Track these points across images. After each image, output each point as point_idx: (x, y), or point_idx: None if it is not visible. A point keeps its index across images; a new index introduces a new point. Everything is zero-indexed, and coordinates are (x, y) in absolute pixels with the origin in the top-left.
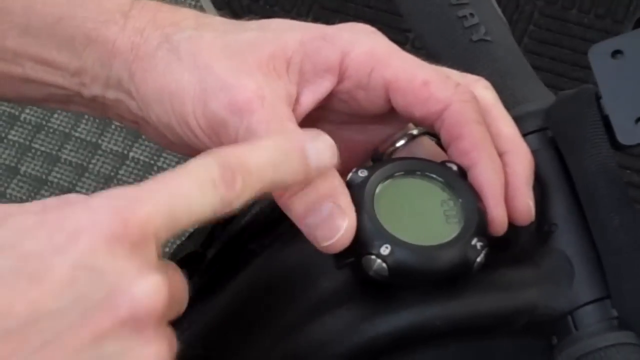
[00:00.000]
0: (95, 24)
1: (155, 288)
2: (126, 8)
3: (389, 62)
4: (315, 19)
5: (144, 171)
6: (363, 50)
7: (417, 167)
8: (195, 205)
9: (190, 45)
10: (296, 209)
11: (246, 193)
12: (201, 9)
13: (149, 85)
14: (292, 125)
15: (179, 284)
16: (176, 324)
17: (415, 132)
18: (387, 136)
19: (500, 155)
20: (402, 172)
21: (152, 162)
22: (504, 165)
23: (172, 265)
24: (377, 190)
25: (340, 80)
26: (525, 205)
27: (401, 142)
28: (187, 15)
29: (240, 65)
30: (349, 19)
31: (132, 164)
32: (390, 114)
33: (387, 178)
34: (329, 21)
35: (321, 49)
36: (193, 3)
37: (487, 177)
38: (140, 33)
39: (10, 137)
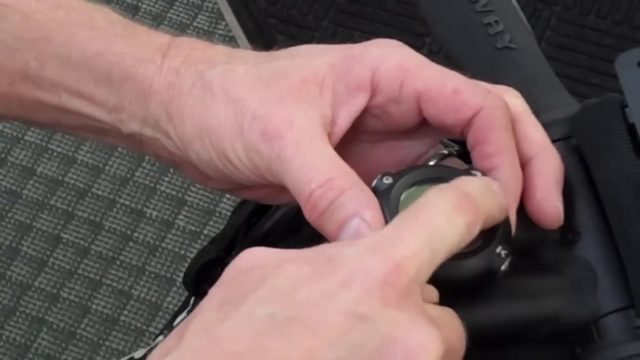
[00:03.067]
0: (134, 61)
1: (430, 337)
2: (165, 47)
3: (419, 74)
4: (332, 22)
5: (160, 172)
6: (392, 64)
7: (442, 175)
8: (448, 235)
9: (223, 80)
10: (328, 228)
11: (481, 218)
12: (219, 11)
13: (186, 125)
14: (323, 145)
15: (455, 331)
16: None
17: (445, 152)
18: (418, 156)
19: (530, 159)
20: (427, 180)
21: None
22: (534, 168)
23: (449, 312)
24: (402, 197)
25: (373, 95)
26: (555, 209)
27: (432, 162)
28: (220, 51)
29: (272, 94)
30: (365, 23)
31: (149, 166)
32: (421, 130)
33: (411, 185)
34: (345, 24)
35: (351, 68)
36: (211, 5)
37: (504, 182)
38: (176, 72)
39: (27, 138)
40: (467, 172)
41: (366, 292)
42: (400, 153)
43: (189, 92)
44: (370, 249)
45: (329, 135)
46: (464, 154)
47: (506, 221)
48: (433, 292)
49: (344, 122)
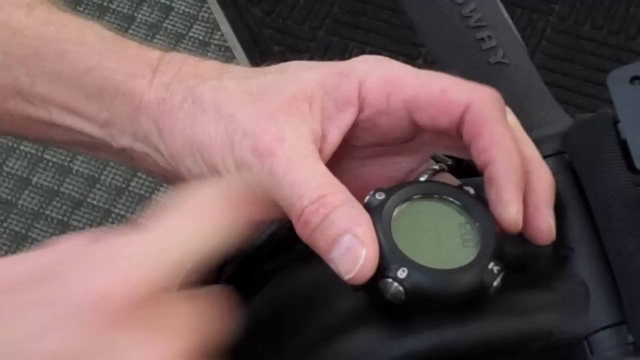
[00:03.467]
0: (125, 76)
1: (155, 353)
2: (155, 63)
3: (404, 82)
4: (328, 32)
5: (155, 183)
6: (377, 76)
7: (435, 191)
8: (174, 244)
9: (214, 95)
10: (319, 245)
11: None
12: (214, 22)
13: (177, 140)
14: (314, 161)
15: (202, 325)
16: None
17: (437, 167)
18: (409, 172)
19: None
20: (420, 195)
21: None
22: (525, 184)
23: (188, 309)
24: (395, 213)
25: (361, 109)
26: (547, 224)
27: (424, 178)
28: (210, 66)
29: (262, 110)
30: (361, 33)
31: (144, 177)
32: (412, 145)
33: (404, 201)
34: (341, 34)
35: (339, 84)
36: (206, 15)
37: (502, 171)
38: (167, 87)
39: (22, 147)
40: (459, 188)
41: (74, 324)
42: (392, 169)
43: (179, 108)
44: (78, 276)
45: (320, 152)
46: (457, 169)
47: (499, 237)
48: (174, 298)
49: (334, 137)
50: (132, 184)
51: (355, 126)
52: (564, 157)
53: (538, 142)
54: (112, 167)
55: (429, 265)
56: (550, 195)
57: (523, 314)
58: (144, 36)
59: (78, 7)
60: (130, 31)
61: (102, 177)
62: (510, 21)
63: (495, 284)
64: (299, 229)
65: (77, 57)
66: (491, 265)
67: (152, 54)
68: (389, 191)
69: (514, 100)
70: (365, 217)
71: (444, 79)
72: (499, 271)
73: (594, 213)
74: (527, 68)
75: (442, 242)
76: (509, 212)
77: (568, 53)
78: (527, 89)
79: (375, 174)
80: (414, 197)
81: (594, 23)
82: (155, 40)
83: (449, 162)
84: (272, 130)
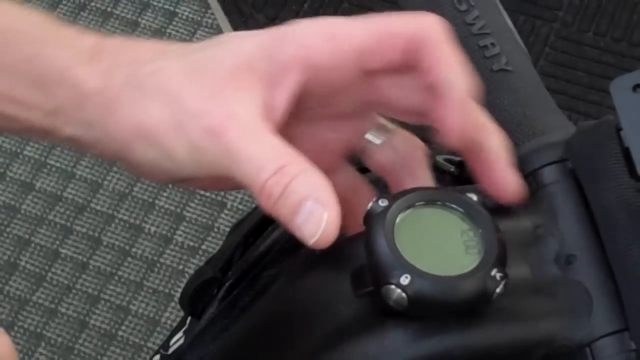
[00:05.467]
0: (66, 63)
1: None
2: (93, 50)
3: (346, 33)
4: None
5: (158, 188)
6: (317, 33)
7: (438, 197)
8: None
9: (155, 78)
10: (283, 214)
11: None
12: (218, 27)
13: (124, 126)
14: (268, 133)
15: None
16: (195, 350)
17: (387, 124)
18: (364, 133)
19: (478, 140)
20: (423, 202)
21: None
22: (485, 152)
23: None
24: (398, 219)
25: (305, 70)
26: (516, 180)
27: (372, 137)
28: (149, 47)
29: (206, 87)
30: None
31: (147, 182)
32: (366, 102)
33: (407, 208)
34: None
35: (279, 48)
36: (210, 21)
37: (448, 78)
38: (108, 74)
39: (25, 152)
40: (464, 195)
41: None
42: (347, 130)
43: (121, 94)
44: None
45: (270, 120)
46: (459, 176)
47: (502, 243)
48: None
49: (282, 104)
50: (136, 189)
51: (303, 88)
52: (566, 164)
53: (541, 149)
54: (116, 173)
55: (432, 271)
56: (507, 154)
57: (525, 320)
58: None
59: (82, 12)
60: (134, 36)
61: (106, 183)
62: (513, 28)
63: (498, 290)
64: (262, 203)
65: (18, 46)
66: (494, 272)
67: (89, 39)
68: (392, 198)
69: (517, 108)
70: (325, 181)
71: (385, 17)
72: (502, 278)
73: (596, 220)
74: (530, 75)
75: (445, 248)
76: (454, 120)
77: (571, 60)
78: (530, 96)
79: (331, 137)
80: (417, 203)
81: (598, 30)
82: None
83: (452, 169)
84: (221, 109)
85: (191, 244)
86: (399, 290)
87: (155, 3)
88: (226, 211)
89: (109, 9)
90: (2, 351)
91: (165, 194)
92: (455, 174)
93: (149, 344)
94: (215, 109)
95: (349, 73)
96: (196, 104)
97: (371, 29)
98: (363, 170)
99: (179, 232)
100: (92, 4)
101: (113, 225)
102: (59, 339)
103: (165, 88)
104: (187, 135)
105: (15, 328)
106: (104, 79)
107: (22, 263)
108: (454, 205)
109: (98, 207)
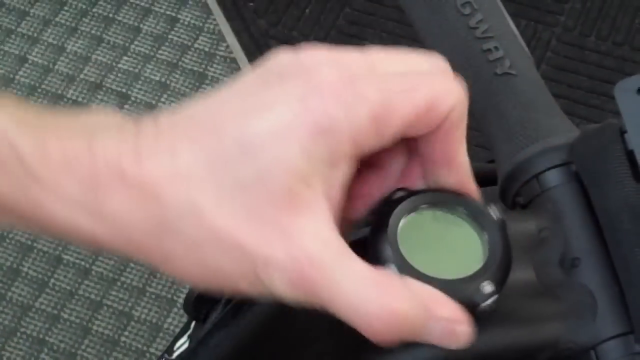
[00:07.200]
0: (64, 211)
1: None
2: (92, 180)
3: (389, 112)
4: (333, 43)
5: None
6: (361, 118)
7: (444, 200)
8: None
9: (191, 220)
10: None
11: None
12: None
13: (177, 265)
14: (353, 264)
15: None
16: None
17: None
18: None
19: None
20: (428, 205)
21: None
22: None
23: None
24: (403, 221)
25: (356, 156)
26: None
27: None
28: (150, 150)
29: (264, 222)
30: (366, 44)
31: None
32: (389, 154)
33: (413, 210)
34: (346, 45)
35: (326, 146)
36: (212, 27)
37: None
38: (116, 218)
39: None
40: (470, 198)
41: None
42: (375, 182)
43: (163, 245)
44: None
45: (335, 219)
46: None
47: (506, 249)
48: None
49: (338, 199)
50: None
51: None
52: (570, 167)
53: (545, 152)
54: None
55: (428, 273)
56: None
57: (529, 323)
58: (149, 47)
59: (84, 19)
60: (136, 42)
61: None
62: (517, 32)
63: (483, 305)
64: (373, 340)
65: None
66: (485, 284)
67: (80, 169)
68: (397, 200)
69: (521, 111)
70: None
71: (423, 87)
72: (492, 293)
73: (601, 223)
74: (534, 79)
75: (447, 252)
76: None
77: (573, 64)
78: (533, 100)
79: (361, 190)
80: (423, 206)
81: (599, 34)
82: (160, 52)
83: None
84: (295, 252)
85: None
86: None
87: (157, 9)
88: None
89: (110, 15)
90: None
91: None
92: None
93: (152, 350)
94: (289, 254)
95: (390, 142)
96: (262, 249)
97: (412, 103)
98: None
99: None
100: (94, 10)
101: None
102: (62, 345)
103: (214, 229)
104: (265, 284)
105: (18, 334)
106: (114, 224)
107: (25, 269)
108: (460, 208)
109: None
